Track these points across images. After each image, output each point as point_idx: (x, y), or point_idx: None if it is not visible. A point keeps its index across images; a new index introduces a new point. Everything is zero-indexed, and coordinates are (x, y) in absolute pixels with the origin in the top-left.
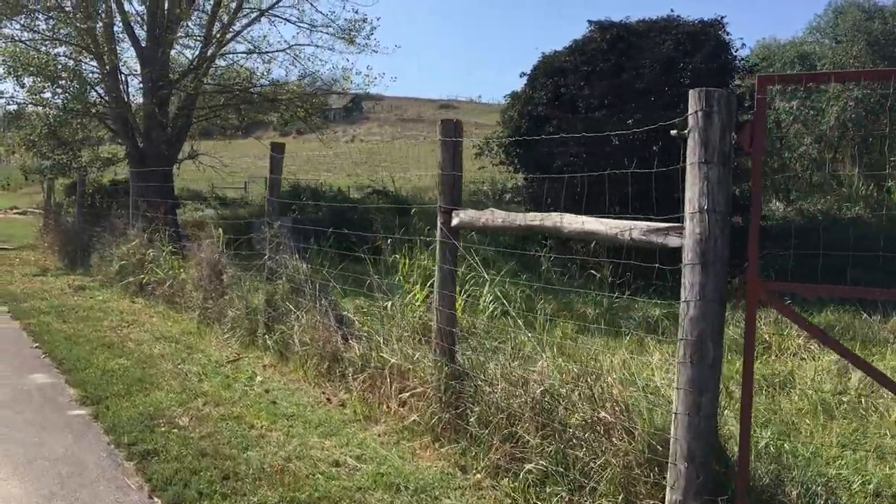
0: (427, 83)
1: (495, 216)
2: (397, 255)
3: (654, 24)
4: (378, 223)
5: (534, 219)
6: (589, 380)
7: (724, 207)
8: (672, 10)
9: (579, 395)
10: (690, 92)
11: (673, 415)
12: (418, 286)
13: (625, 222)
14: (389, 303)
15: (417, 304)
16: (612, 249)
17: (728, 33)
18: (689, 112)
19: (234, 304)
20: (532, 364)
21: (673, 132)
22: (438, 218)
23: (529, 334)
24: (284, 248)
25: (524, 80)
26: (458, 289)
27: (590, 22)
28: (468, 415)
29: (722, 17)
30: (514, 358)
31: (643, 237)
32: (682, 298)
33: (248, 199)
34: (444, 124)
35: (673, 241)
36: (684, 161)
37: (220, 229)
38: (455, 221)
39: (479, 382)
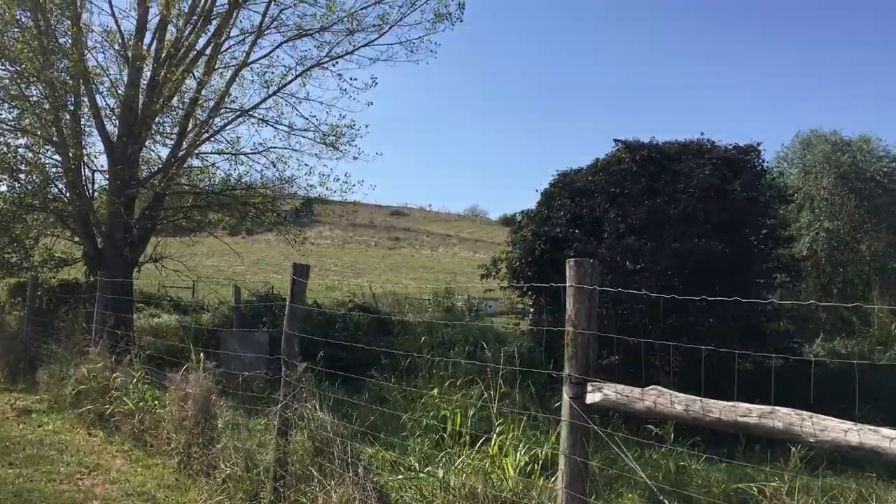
0: (380, 190)
1: (672, 400)
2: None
3: (685, 147)
4: (364, 340)
5: (749, 413)
6: None
7: None
8: (702, 133)
9: None
10: None
11: None
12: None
13: None
14: (441, 471)
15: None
16: None
17: (764, 160)
18: None
19: (230, 456)
20: None
21: None
22: (565, 389)
23: None
24: (307, 394)
25: (537, 196)
26: (588, 487)
27: (616, 141)
28: None
29: (758, 144)
30: None
31: None
32: None
33: (204, 302)
34: (579, 267)
35: None
36: None
37: (201, 354)
38: (595, 398)
39: None
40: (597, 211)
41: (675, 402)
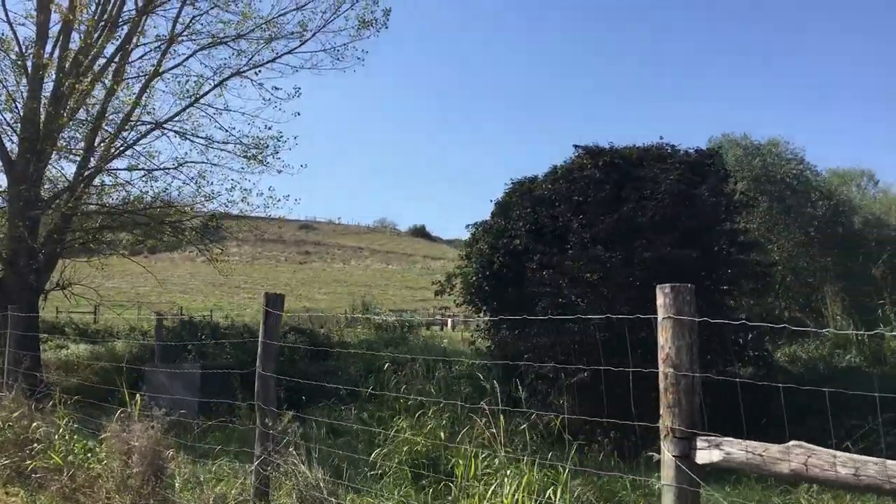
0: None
1: (834, 462)
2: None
3: (646, 152)
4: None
5: None
6: None
7: None
8: (661, 138)
9: None
10: None
11: None
12: None
13: None
14: None
15: None
16: None
17: (725, 164)
18: None
19: None
20: None
21: None
22: (667, 447)
23: None
24: (292, 448)
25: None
26: None
27: (577, 147)
28: None
29: (719, 148)
30: None
31: None
32: None
33: (113, 328)
34: (676, 294)
35: None
36: None
37: (139, 395)
38: (711, 456)
39: None
40: (560, 221)
41: (838, 463)
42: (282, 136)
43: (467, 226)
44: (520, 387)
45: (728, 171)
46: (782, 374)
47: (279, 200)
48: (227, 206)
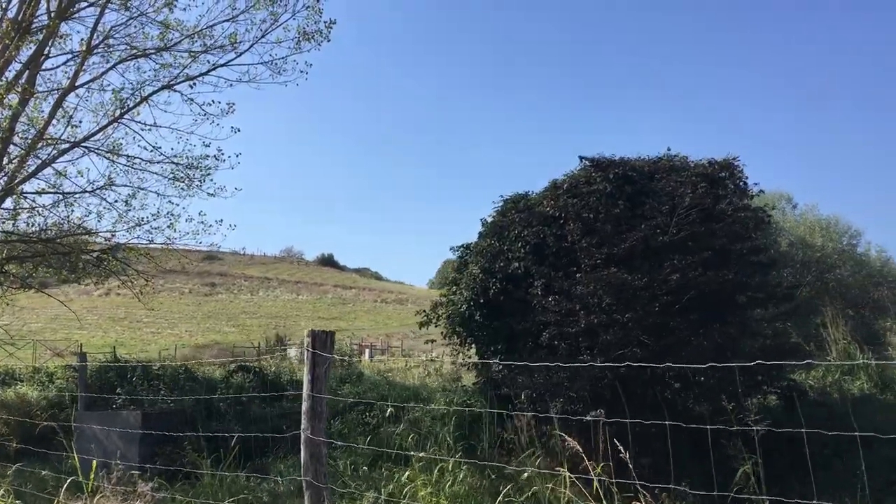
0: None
1: None
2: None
3: (658, 164)
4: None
5: None
6: None
7: None
8: (669, 149)
9: None
10: None
11: None
12: None
13: None
14: None
15: None
16: None
17: (745, 175)
18: None
19: None
20: None
21: None
22: None
23: None
24: None
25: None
26: None
27: (583, 158)
28: None
29: (735, 158)
30: None
31: None
32: None
33: (14, 369)
34: None
35: None
36: None
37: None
38: None
39: None
40: (566, 241)
41: None
42: (222, 154)
43: (452, 248)
44: (521, 431)
45: (746, 183)
46: (803, 402)
47: (211, 226)
48: (149, 234)
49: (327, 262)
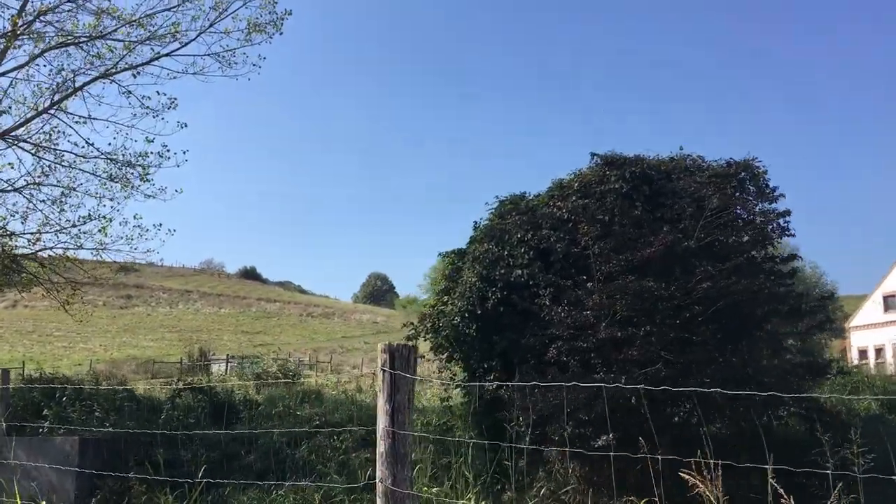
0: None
1: None
2: None
3: (673, 163)
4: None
5: None
6: None
7: None
8: (681, 148)
9: None
10: None
11: None
12: None
13: None
14: None
15: None
16: None
17: (767, 176)
18: None
19: None
20: None
21: None
22: None
23: None
24: None
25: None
26: None
27: (594, 155)
28: None
29: (755, 159)
30: None
31: None
32: None
33: None
34: None
35: None
36: None
37: None
38: None
39: None
40: (577, 246)
41: None
42: (167, 150)
43: (440, 254)
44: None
45: (768, 184)
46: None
47: (148, 231)
48: (76, 239)
49: (249, 274)
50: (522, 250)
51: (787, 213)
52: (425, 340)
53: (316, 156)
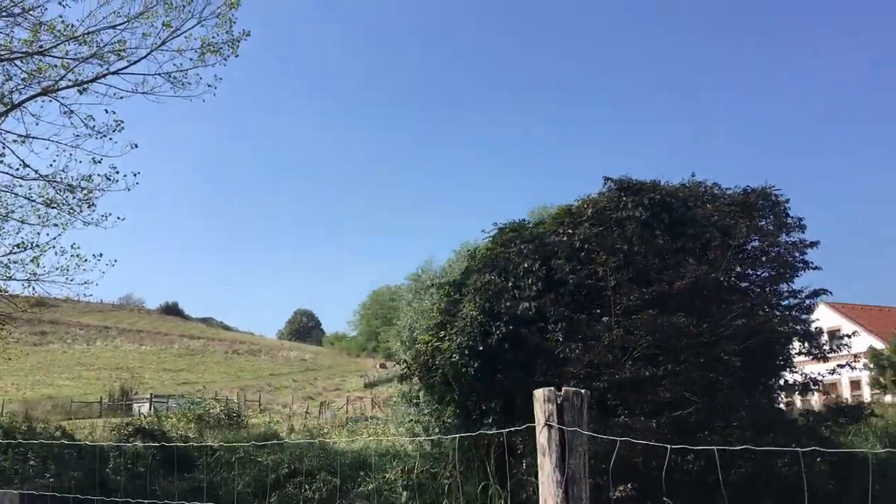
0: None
1: None
2: None
3: (689, 190)
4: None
5: None
6: None
7: None
8: (693, 175)
9: None
10: None
11: None
12: None
13: None
14: None
15: None
16: None
17: (788, 205)
18: None
19: None
20: None
21: None
22: None
23: None
24: None
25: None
26: None
27: (608, 179)
28: None
29: (772, 186)
30: None
31: None
32: None
33: None
34: None
35: None
36: None
37: None
38: None
39: None
40: (591, 277)
41: None
42: (116, 172)
43: (435, 284)
44: None
45: (788, 213)
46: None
47: (86, 261)
48: (9, 270)
49: (171, 310)
50: (530, 281)
51: (816, 243)
52: (421, 380)
53: (243, 185)
